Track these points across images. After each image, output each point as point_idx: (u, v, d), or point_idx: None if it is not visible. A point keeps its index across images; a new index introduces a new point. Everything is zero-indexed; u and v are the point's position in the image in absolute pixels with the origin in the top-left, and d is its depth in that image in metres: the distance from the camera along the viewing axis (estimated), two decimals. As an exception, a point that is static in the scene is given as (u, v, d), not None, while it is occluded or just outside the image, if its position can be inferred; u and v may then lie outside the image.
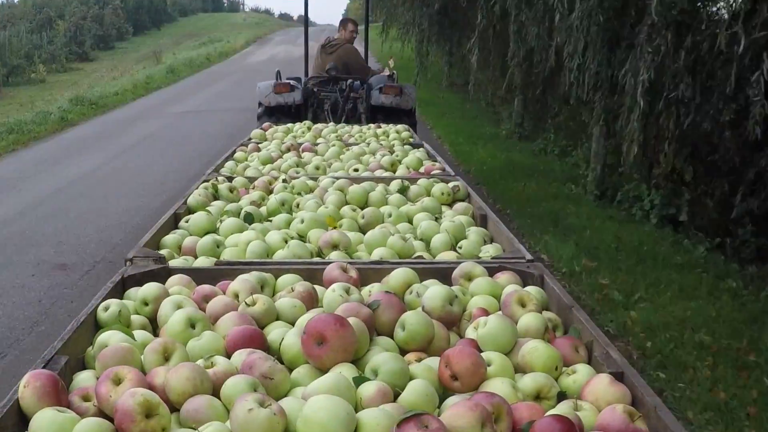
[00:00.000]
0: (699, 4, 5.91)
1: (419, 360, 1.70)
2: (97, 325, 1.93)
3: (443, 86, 14.90)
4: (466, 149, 10.66)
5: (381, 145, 4.58)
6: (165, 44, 42.87)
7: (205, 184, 3.33)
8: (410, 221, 2.91)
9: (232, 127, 11.92)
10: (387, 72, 7.60)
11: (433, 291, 1.92)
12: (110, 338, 1.74)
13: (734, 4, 5.11)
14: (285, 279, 2.15)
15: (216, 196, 3.23)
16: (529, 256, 2.33)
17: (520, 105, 11.69)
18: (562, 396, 1.57)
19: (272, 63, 20.94)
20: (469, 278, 2.15)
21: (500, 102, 13.73)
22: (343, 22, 7.64)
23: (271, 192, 3.31)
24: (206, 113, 14.62)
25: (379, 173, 3.77)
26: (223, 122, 12.96)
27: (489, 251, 2.53)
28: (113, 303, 1.96)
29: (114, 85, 20.46)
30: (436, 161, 4.09)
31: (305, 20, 8.31)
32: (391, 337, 1.80)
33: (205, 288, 2.04)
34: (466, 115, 14.49)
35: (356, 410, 1.41)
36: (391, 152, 4.26)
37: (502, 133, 12.06)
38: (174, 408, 1.49)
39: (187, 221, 2.88)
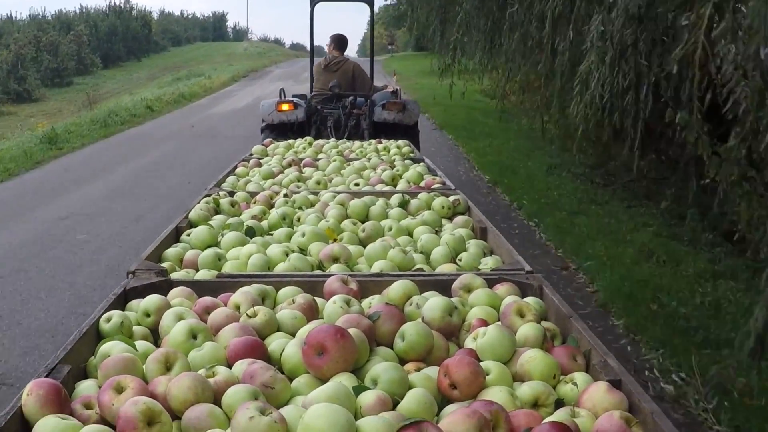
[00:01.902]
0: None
1: (418, 370, 1.71)
2: (99, 336, 1.95)
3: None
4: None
5: (382, 159, 4.61)
6: (137, 79, 38.24)
7: (206, 198, 3.36)
8: (410, 234, 2.93)
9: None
10: (391, 88, 7.63)
11: (432, 302, 1.94)
12: (112, 348, 1.76)
13: None
14: (286, 291, 2.16)
15: (217, 211, 3.26)
16: (528, 268, 2.34)
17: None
18: (559, 403, 1.59)
19: (247, 113, 17.22)
20: (469, 290, 2.16)
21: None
22: (335, 42, 7.63)
23: (272, 206, 3.33)
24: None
25: (379, 188, 3.80)
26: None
27: (488, 263, 2.55)
28: (115, 314, 1.98)
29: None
30: (436, 176, 4.12)
31: (311, 37, 8.35)
32: (391, 347, 1.81)
33: (207, 300, 2.06)
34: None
35: (356, 419, 1.42)
36: (392, 167, 4.28)
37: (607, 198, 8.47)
38: (175, 416, 1.50)
39: (188, 235, 2.90)
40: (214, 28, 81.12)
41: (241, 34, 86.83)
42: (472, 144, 12.76)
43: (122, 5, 54.77)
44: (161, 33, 60.56)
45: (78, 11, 52.82)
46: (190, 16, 77.42)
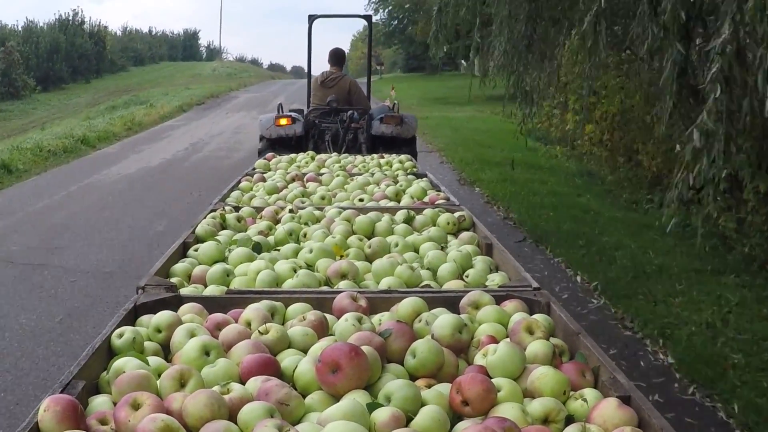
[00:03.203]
0: None
1: (429, 386, 1.73)
2: (110, 352, 1.96)
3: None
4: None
5: (385, 175, 4.64)
6: (74, 105, 31.91)
7: (212, 213, 3.38)
8: (416, 250, 2.95)
9: None
10: (388, 102, 7.69)
11: (442, 319, 1.96)
12: (126, 364, 1.77)
13: None
14: (295, 308, 2.18)
15: (224, 226, 3.27)
16: (535, 284, 2.37)
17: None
18: (570, 420, 1.61)
19: (170, 176, 11.58)
20: (477, 306, 2.18)
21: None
22: (332, 57, 7.66)
23: (278, 222, 3.35)
24: None
25: (384, 203, 3.82)
26: None
27: (495, 279, 2.57)
28: (127, 330, 1.99)
29: None
30: (440, 191, 4.14)
31: (308, 53, 8.40)
32: (402, 364, 1.83)
33: (218, 316, 2.08)
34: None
35: (370, 435, 1.44)
36: (395, 182, 4.31)
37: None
38: (191, 433, 1.52)
39: (196, 250, 2.91)
40: (185, 47, 73.68)
41: (214, 54, 76.79)
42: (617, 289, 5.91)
43: (70, 18, 46.61)
44: (120, 51, 52.90)
45: (16, 24, 44.01)
46: (158, 34, 69.98)
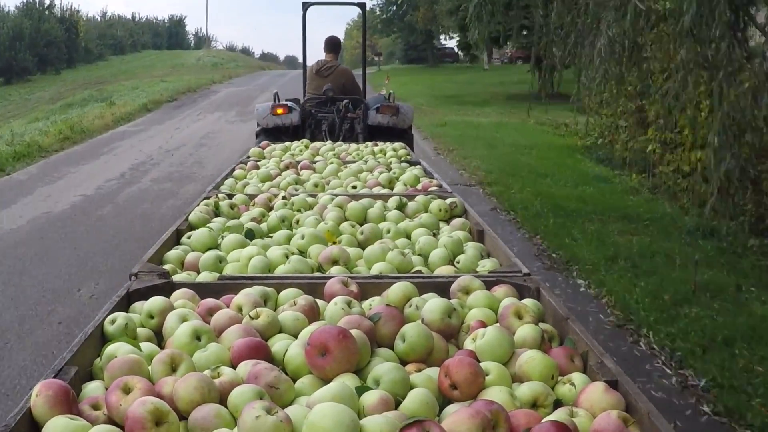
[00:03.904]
0: None
1: (419, 371, 1.75)
2: (103, 338, 1.97)
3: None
4: None
5: (378, 162, 4.64)
6: (36, 100, 28.97)
7: (206, 201, 3.39)
8: (408, 237, 2.96)
9: None
10: (384, 91, 7.69)
11: (432, 304, 1.97)
12: (118, 350, 1.78)
13: None
14: (287, 293, 2.19)
15: (217, 213, 3.28)
16: (525, 270, 2.38)
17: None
18: (558, 404, 1.62)
19: (63, 238, 7.42)
20: (467, 292, 2.19)
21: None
22: (327, 45, 7.64)
23: (271, 209, 3.36)
24: None
25: (377, 190, 3.83)
26: None
27: (486, 265, 2.59)
28: (120, 316, 2.00)
29: None
30: (433, 178, 4.15)
31: (303, 41, 8.39)
32: (392, 348, 1.85)
33: (210, 302, 2.09)
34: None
35: (359, 418, 1.45)
36: (389, 169, 4.32)
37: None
38: (182, 416, 1.53)
39: (189, 237, 2.92)
40: (170, 35, 69.75)
41: (203, 42, 72.34)
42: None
43: (36, 2, 42.29)
44: (98, 39, 48.75)
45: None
46: (143, 20, 66.43)
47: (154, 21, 69.30)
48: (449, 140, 14.37)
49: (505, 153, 12.70)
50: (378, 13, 49.45)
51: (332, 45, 7.60)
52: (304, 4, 8.10)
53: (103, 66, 43.55)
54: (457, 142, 14.07)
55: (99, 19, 55.80)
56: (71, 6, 45.13)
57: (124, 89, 26.65)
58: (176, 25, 72.85)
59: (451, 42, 59.78)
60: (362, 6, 8.81)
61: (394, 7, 49.42)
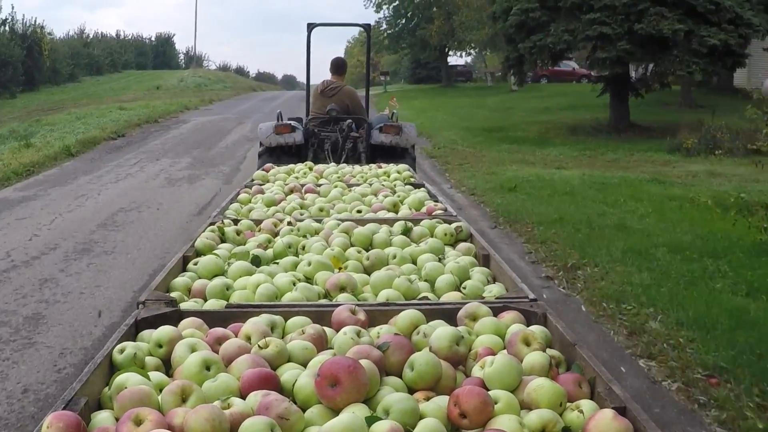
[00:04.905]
0: None
1: (427, 399, 1.75)
2: (112, 367, 1.98)
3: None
4: None
5: (383, 185, 4.66)
6: None
7: (211, 227, 3.40)
8: (414, 262, 2.97)
9: None
10: (387, 111, 7.73)
11: (439, 332, 1.98)
12: (128, 380, 1.79)
13: None
14: (294, 321, 2.20)
15: (223, 239, 3.30)
16: (532, 296, 2.39)
17: None
18: (566, 431, 1.63)
19: None
20: (474, 318, 2.20)
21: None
22: (333, 66, 7.70)
23: (276, 234, 3.37)
24: None
25: (382, 214, 3.85)
26: None
27: (492, 291, 2.59)
28: (128, 345, 2.01)
29: None
30: (437, 201, 4.17)
31: (307, 62, 8.43)
32: (400, 376, 1.85)
33: (218, 331, 2.10)
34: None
35: (369, 449, 1.46)
36: (393, 192, 4.34)
37: None
38: (193, 448, 1.54)
39: (195, 264, 2.93)
40: (156, 54, 66.12)
41: (195, 62, 65.46)
42: None
43: None
44: (69, 59, 44.20)
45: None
46: (128, 38, 62.68)
47: (140, 39, 66.09)
48: (547, 236, 7.45)
49: (687, 283, 5.77)
50: (385, 27, 44.47)
51: (338, 66, 7.68)
52: (308, 25, 8.16)
53: (71, 88, 39.30)
54: (569, 244, 7.06)
55: (75, 36, 51.88)
56: (34, 22, 40.02)
57: (65, 121, 21.23)
58: (163, 43, 69.62)
59: (461, 59, 56.36)
60: (367, 27, 8.89)
61: (404, 21, 44.23)
